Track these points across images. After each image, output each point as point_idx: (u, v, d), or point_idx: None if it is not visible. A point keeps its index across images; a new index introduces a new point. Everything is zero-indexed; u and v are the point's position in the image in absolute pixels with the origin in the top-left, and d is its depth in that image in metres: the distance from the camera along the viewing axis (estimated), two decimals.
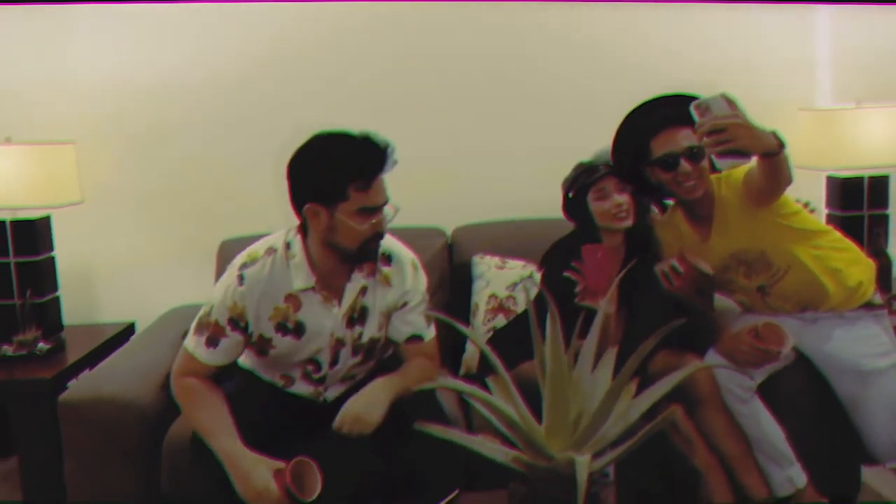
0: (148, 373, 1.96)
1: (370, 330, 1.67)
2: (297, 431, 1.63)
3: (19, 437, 2.05)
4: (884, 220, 2.47)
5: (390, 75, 2.55)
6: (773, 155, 1.58)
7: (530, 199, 2.45)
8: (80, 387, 1.91)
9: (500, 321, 2.21)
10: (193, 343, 1.63)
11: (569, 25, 2.57)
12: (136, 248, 2.57)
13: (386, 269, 1.66)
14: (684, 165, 1.75)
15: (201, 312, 1.64)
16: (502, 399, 1.21)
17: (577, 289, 1.69)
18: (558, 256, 1.87)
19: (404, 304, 1.68)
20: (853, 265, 1.86)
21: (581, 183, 1.87)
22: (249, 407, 1.60)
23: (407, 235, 2.34)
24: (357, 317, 1.65)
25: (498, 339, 2.10)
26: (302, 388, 1.71)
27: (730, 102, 1.54)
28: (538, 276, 2.15)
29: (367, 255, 1.61)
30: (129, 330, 2.52)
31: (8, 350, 2.18)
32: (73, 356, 2.21)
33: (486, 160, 2.58)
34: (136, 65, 2.49)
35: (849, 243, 1.90)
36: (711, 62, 2.58)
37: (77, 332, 2.42)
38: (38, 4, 2.41)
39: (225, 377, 1.69)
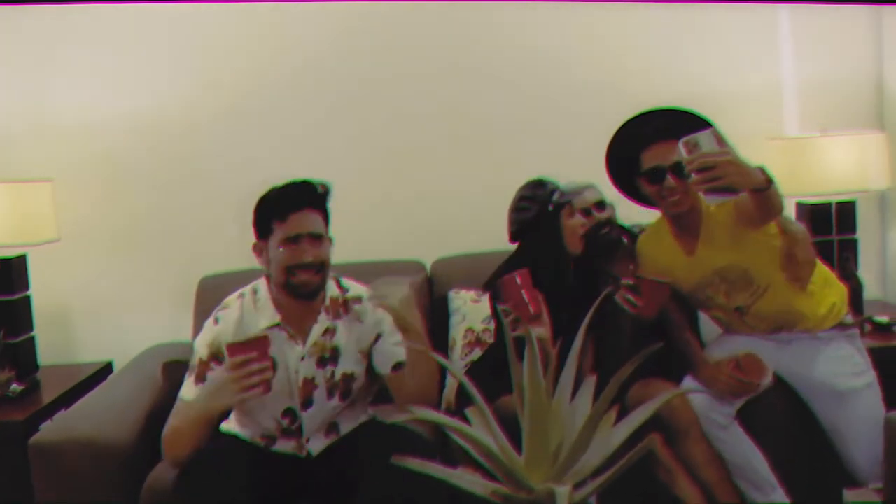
0: (124, 412, 1.89)
1: (343, 366, 1.68)
2: (283, 492, 1.60)
3: None
4: (853, 245, 2.49)
5: (372, 116, 2.55)
6: (763, 189, 1.58)
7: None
8: (51, 428, 1.84)
9: (478, 355, 2.18)
10: (185, 388, 1.65)
11: (545, 59, 2.59)
12: (113, 287, 2.52)
13: (357, 307, 1.71)
14: (669, 180, 1.75)
15: (190, 362, 1.68)
16: (482, 430, 1.18)
17: (509, 319, 1.64)
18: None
19: (378, 336, 1.69)
20: (826, 287, 1.87)
21: (563, 199, 1.91)
22: (234, 468, 1.54)
23: (388, 269, 2.35)
24: (328, 357, 1.67)
25: (474, 371, 2.06)
26: (283, 444, 1.69)
27: (719, 139, 1.53)
28: None
29: (303, 290, 1.62)
30: (106, 369, 2.46)
31: None
32: (48, 397, 2.14)
33: (464, 194, 2.57)
34: (113, 103, 2.47)
35: (822, 266, 1.90)
36: (685, 91, 2.60)
37: (53, 372, 2.35)
38: (25, 4, 2.39)
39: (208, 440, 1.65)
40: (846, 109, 2.62)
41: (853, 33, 2.64)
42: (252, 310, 1.67)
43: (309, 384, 1.65)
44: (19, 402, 2.09)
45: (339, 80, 2.54)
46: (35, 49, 2.45)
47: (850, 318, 1.90)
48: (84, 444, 1.73)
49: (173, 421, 1.60)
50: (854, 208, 2.50)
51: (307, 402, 1.66)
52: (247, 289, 1.72)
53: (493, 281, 1.96)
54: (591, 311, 1.23)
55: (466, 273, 2.36)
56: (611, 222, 1.94)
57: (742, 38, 2.64)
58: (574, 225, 1.90)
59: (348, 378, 1.68)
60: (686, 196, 1.77)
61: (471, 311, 2.25)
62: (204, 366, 1.64)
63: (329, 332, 1.68)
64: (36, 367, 2.33)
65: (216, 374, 1.56)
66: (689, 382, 1.85)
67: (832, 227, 2.48)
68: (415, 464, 1.12)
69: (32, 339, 2.34)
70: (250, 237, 1.77)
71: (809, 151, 2.44)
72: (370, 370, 1.71)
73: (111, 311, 2.52)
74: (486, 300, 2.26)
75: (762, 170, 1.58)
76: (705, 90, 2.58)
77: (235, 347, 1.48)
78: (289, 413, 1.66)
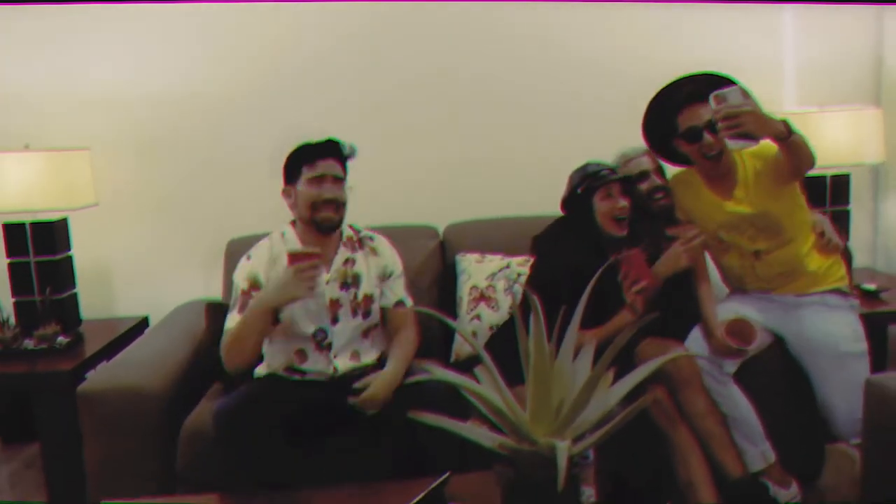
0: (162, 362, 1.96)
1: (364, 288, 1.86)
2: (313, 416, 1.75)
3: (41, 425, 2.05)
4: (845, 216, 2.49)
5: (388, 90, 2.55)
6: (783, 139, 1.69)
7: (515, 199, 2.47)
8: (97, 377, 1.91)
9: (483, 309, 2.23)
10: (230, 321, 1.77)
11: (558, 34, 2.56)
12: (148, 248, 2.57)
13: (371, 244, 1.92)
14: (707, 137, 1.84)
15: (232, 298, 1.83)
16: (489, 388, 1.23)
17: (635, 288, 1.83)
18: (551, 242, 1.96)
19: (390, 274, 1.90)
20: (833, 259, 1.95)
21: (590, 183, 1.91)
22: (270, 405, 1.68)
23: (403, 233, 2.38)
24: (350, 281, 1.85)
25: (495, 339, 2.12)
26: (315, 359, 1.82)
27: (744, 94, 1.67)
28: (514, 265, 2.16)
29: (324, 223, 1.80)
30: (143, 323, 2.53)
31: (30, 344, 2.18)
32: (91, 349, 2.21)
33: (476, 164, 2.59)
34: (147, 73, 2.49)
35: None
36: (687, 69, 2.58)
37: (94, 326, 2.42)
38: (54, 4, 2.40)
39: (242, 383, 1.78)
40: (844, 85, 2.59)
41: (853, 11, 2.59)
42: (281, 247, 1.81)
43: (335, 304, 1.82)
44: (66, 353, 2.17)
45: (356, 54, 2.53)
46: (72, 20, 2.44)
47: (848, 288, 1.95)
48: (127, 392, 1.80)
49: (228, 338, 1.73)
50: (848, 181, 2.49)
51: (334, 319, 1.82)
52: (274, 234, 1.88)
53: (540, 242, 2.00)
54: (592, 282, 1.26)
55: (476, 238, 2.39)
56: (665, 188, 1.98)
57: (744, 15, 2.59)
58: (605, 208, 1.89)
59: (368, 298, 1.86)
60: (716, 156, 1.87)
61: (475, 270, 2.30)
62: (246, 295, 1.78)
63: (349, 261, 1.86)
64: (79, 321, 2.40)
65: (281, 273, 1.70)
66: (695, 335, 1.91)
67: (826, 198, 2.48)
68: (429, 418, 1.18)
69: (75, 295, 2.40)
70: (274, 204, 1.86)
71: (807, 126, 2.40)
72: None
73: (147, 270, 2.58)
74: (488, 260, 2.29)
75: (785, 122, 1.69)
76: (707, 68, 2.56)
77: (298, 255, 1.67)
78: (319, 331, 1.82)
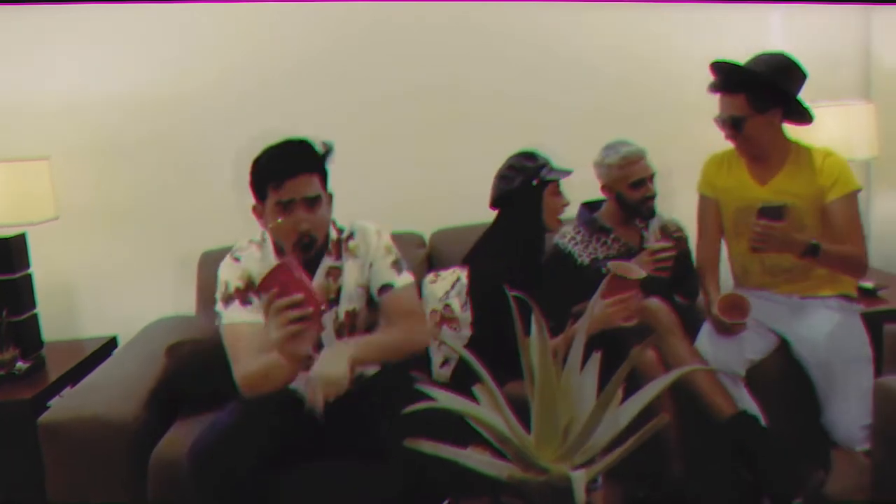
0: (132, 388, 1.85)
1: (344, 305, 1.66)
2: (300, 447, 1.59)
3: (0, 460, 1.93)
4: None
5: (373, 93, 2.49)
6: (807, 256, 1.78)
7: None
8: (60, 406, 1.80)
9: (445, 332, 2.08)
10: (231, 314, 1.57)
11: (543, 34, 2.53)
12: (115, 262, 2.46)
13: (352, 244, 1.68)
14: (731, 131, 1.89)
15: (218, 294, 1.61)
16: (490, 410, 1.15)
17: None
18: (489, 254, 1.91)
19: (371, 264, 1.67)
20: None
21: (544, 176, 1.88)
22: (256, 427, 1.50)
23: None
24: (334, 298, 1.65)
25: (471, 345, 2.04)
26: (301, 382, 1.60)
27: (785, 212, 1.75)
28: (463, 277, 2.08)
29: (301, 253, 1.57)
30: (111, 344, 2.42)
31: None
32: (53, 374, 2.09)
33: (462, 169, 2.53)
34: (109, 78, 2.39)
35: None
36: (674, 70, 2.56)
37: (58, 349, 2.30)
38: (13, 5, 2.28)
39: (232, 398, 1.59)
40: (834, 81, 2.58)
41: (841, 6, 2.59)
42: (268, 253, 1.64)
43: None
44: (26, 379, 2.05)
45: (338, 56, 2.47)
46: (29, 31, 2.34)
47: (854, 294, 1.96)
48: (93, 422, 1.70)
49: (256, 371, 1.48)
50: None
51: (317, 345, 1.62)
52: (256, 236, 1.68)
53: (473, 255, 1.93)
54: (598, 293, 1.20)
55: (464, 244, 2.25)
56: (653, 196, 2.01)
57: (731, 10, 2.58)
58: (556, 204, 1.88)
59: (351, 314, 1.67)
60: (745, 143, 1.92)
61: (429, 292, 2.14)
62: (242, 293, 1.57)
63: (332, 272, 1.65)
64: (40, 344, 2.28)
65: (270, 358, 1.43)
66: (704, 334, 1.92)
67: None
68: (427, 446, 1.10)
69: (35, 316, 2.28)
70: (249, 211, 1.70)
71: None
72: (370, 301, 1.69)
73: (113, 286, 2.47)
74: (441, 278, 2.17)
75: (811, 245, 1.78)
76: (695, 64, 2.53)
77: (260, 286, 1.33)
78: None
